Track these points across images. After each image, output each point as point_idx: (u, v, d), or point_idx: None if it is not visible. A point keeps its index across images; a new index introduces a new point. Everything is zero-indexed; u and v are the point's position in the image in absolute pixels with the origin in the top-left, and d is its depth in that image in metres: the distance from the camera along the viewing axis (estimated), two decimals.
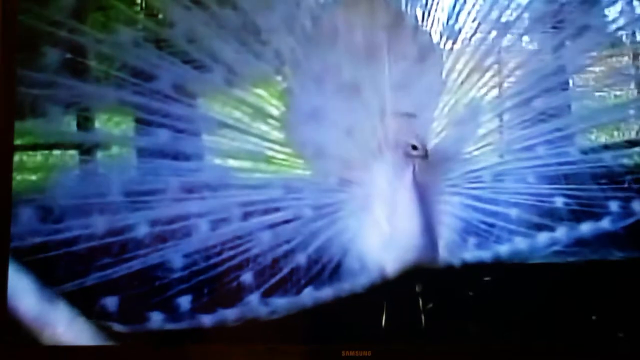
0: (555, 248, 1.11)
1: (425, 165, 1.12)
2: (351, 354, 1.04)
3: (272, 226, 1.09)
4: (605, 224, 1.12)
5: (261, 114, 1.14)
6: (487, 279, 1.10)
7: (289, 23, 1.13)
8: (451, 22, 1.15)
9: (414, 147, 1.11)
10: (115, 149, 1.11)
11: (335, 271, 1.09)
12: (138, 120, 1.10)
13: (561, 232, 1.12)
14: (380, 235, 1.11)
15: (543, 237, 1.12)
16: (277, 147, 1.13)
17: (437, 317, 1.07)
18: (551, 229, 1.12)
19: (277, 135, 1.14)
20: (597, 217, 1.12)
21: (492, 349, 1.06)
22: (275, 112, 1.14)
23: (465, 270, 1.10)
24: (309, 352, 1.05)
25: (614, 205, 1.13)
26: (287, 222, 1.10)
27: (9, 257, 1.03)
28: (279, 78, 1.14)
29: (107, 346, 1.03)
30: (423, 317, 1.08)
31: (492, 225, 1.12)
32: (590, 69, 1.18)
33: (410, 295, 1.08)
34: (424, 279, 1.09)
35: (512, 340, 1.07)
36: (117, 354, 1.04)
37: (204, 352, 1.05)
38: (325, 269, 1.09)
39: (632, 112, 1.18)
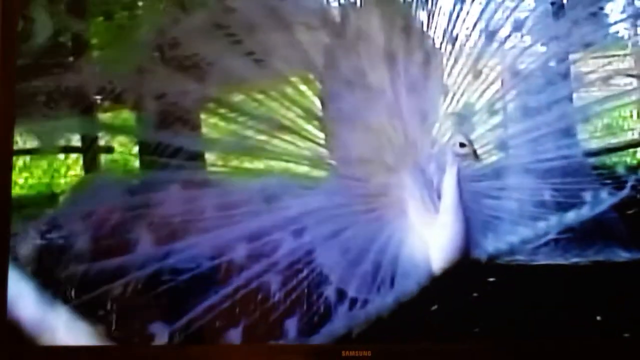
0: (550, 236, 1.21)
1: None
2: (351, 354, 1.00)
3: (334, 235, 1.03)
4: (585, 211, 1.26)
5: (308, 115, 1.07)
6: (494, 279, 1.13)
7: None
8: (450, 27, 1.18)
9: (462, 145, 1.10)
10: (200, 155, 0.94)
11: (395, 275, 1.05)
12: (224, 118, 0.95)
13: (553, 221, 1.23)
14: (426, 237, 1.10)
15: (541, 226, 1.21)
16: (324, 150, 1.07)
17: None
18: (545, 218, 1.23)
19: (322, 137, 1.08)
20: (578, 206, 1.25)
21: (498, 347, 1.06)
22: (318, 112, 1.08)
23: (481, 268, 1.13)
24: (309, 352, 1.00)
25: (587, 195, 1.27)
26: (344, 229, 1.04)
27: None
28: (317, 76, 1.08)
29: (107, 346, 0.94)
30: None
31: (500, 219, 1.19)
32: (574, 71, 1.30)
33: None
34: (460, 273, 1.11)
35: (517, 340, 1.07)
36: (117, 354, 0.95)
37: (204, 352, 0.98)
38: (387, 274, 1.05)
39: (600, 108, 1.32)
